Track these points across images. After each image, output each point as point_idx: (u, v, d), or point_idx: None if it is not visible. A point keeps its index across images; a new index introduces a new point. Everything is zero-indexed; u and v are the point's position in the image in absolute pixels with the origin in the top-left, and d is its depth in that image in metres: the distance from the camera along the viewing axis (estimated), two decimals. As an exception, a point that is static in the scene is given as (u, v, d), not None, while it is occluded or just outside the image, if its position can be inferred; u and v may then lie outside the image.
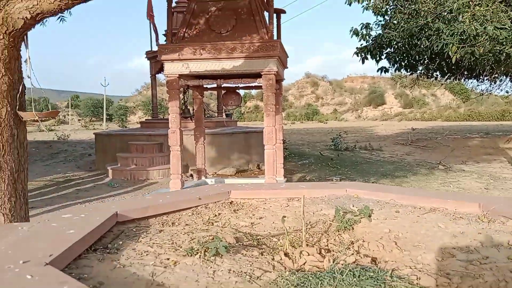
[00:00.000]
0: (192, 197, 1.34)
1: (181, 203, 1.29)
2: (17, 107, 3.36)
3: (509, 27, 11.26)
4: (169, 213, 1.29)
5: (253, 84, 4.90)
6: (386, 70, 16.39)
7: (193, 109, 5.92)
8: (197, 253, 1.39)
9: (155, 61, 11.97)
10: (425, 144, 15.57)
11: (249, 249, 1.45)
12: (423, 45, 12.72)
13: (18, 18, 3.12)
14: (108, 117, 42.33)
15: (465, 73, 16.33)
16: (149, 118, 15.59)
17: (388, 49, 15.52)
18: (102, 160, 11.02)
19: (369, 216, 1.21)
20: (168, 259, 1.40)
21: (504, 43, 11.10)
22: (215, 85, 4.99)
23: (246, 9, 4.53)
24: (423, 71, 16.19)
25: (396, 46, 15.08)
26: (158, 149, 10.00)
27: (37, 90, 3.57)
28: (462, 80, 18.75)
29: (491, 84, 17.24)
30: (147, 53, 12.50)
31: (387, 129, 25.75)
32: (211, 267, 1.34)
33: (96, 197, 7.60)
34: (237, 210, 1.45)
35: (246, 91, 41.85)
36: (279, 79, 5.14)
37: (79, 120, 45.77)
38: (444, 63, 14.49)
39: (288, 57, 5.37)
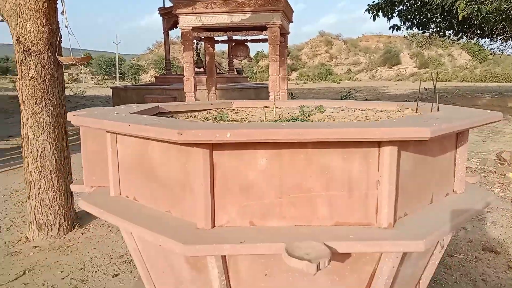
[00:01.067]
0: (207, 105, 1.95)
1: (199, 106, 1.89)
2: (56, 52, 3.99)
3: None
4: (191, 111, 1.88)
5: (259, 37, 5.44)
6: (398, 28, 16.52)
7: (205, 61, 6.48)
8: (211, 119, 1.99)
9: (168, 17, 12.42)
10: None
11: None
12: (435, 3, 12.85)
13: (56, -26, 3.68)
14: (120, 75, 42.91)
15: (478, 32, 16.37)
16: (163, 73, 16.20)
17: (400, 7, 15.61)
18: (119, 113, 11.73)
19: (322, 111, 1.77)
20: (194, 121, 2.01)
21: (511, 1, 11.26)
22: (225, 38, 5.53)
23: (253, -35, 4.99)
24: (435, 29, 16.28)
25: (407, 4, 15.16)
26: (172, 101, 10.65)
27: (72, 40, 4.17)
28: (475, 40, 18.76)
29: (502, 43, 17.26)
30: (160, 9, 12.89)
31: (399, 89, 25.94)
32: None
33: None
34: (237, 112, 2.04)
35: (259, 50, 42.04)
36: (284, 32, 5.64)
37: (92, 78, 46.44)
38: (455, 22, 14.58)
39: (293, 11, 5.84)
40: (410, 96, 19.72)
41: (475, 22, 13.58)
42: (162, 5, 12.94)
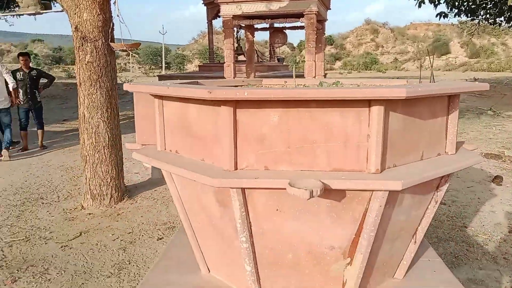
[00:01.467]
0: (239, 81, 2.25)
1: (232, 82, 2.19)
2: (109, 39, 4.41)
3: None
4: (225, 86, 2.19)
5: (297, 24, 5.66)
6: (446, 16, 16.07)
7: (245, 48, 6.79)
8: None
9: (211, 7, 12.77)
10: (481, 92, 15.44)
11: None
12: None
13: (110, -32, 4.08)
14: (166, 65, 44.03)
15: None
16: (207, 62, 16.64)
17: (449, -7, 15.15)
18: (164, 99, 12.27)
19: (338, 84, 2.00)
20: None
21: None
22: (264, 25, 5.80)
23: (292, -45, 5.20)
24: (484, 16, 15.71)
25: (456, -11, 14.69)
26: (214, 89, 11.04)
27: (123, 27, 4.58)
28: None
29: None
30: (204, -1, 13.25)
31: (446, 80, 25.12)
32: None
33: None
34: (265, 86, 2.35)
35: (302, 39, 41.85)
36: (321, 19, 5.83)
37: (139, 68, 47.99)
38: (505, 8, 14.02)
39: (331, -1, 6.01)
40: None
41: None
42: (206, -5, 13.30)
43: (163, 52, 41.12)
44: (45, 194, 5.03)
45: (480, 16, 16.33)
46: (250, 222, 1.44)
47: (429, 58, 1.79)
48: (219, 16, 12.69)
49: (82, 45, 4.28)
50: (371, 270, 1.60)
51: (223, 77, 5.51)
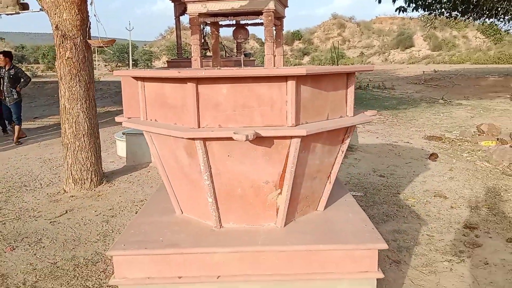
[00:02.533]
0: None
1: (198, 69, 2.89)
2: (87, 37, 4.95)
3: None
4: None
5: (258, 21, 6.32)
6: (404, 10, 17.11)
7: (211, 43, 7.39)
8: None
9: (179, 3, 13.28)
10: (437, 83, 16.58)
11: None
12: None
13: (86, -27, 4.62)
14: (133, 62, 43.83)
15: (483, 11, 16.84)
16: (175, 58, 17.11)
17: (406, -13, 16.13)
18: (134, 95, 12.74)
19: None
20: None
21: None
22: (227, 22, 6.42)
23: (251, -42, 5.85)
24: (440, 10, 16.81)
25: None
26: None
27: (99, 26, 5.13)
28: (481, 20, 19.18)
29: (510, 22, 17.69)
30: (171, -4, 13.73)
31: (410, 72, 26.40)
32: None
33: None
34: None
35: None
36: (279, 16, 6.50)
37: (105, 65, 47.56)
38: (458, 2, 15.11)
39: (288, -2, 6.70)
40: (419, 78, 20.28)
41: (478, 2, 14.04)
42: (173, -8, 13.80)
43: (130, 49, 41.01)
44: (28, 182, 5.52)
45: (436, 10, 17.44)
46: (210, 166, 2.10)
47: (335, 51, 2.49)
48: (185, 1, 13.25)
49: (62, 42, 4.81)
50: (297, 202, 2.29)
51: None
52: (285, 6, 6.69)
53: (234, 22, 6.73)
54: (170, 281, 2.03)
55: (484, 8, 14.36)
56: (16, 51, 57.95)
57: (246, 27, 6.69)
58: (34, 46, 58.49)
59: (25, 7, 5.69)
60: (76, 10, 4.78)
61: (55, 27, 4.82)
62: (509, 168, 5.55)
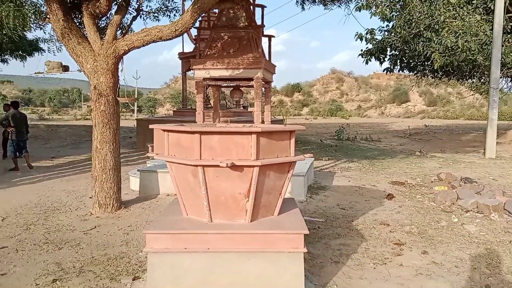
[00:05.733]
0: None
1: (204, 124, 4.42)
2: (116, 94, 6.60)
3: (480, 39, 13.97)
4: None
5: (250, 84, 8.03)
6: (391, 70, 19.15)
7: (213, 100, 9.08)
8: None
9: (186, 61, 15.28)
10: (421, 137, 18.26)
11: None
12: (416, 51, 15.41)
13: (121, 49, 6.34)
14: (138, 108, 46.02)
15: (466, 74, 18.81)
16: (181, 107, 18.96)
17: (393, 51, 18.22)
18: (142, 141, 14.41)
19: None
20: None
21: (474, 54, 13.75)
22: (225, 84, 8.11)
23: (246, 37, 7.63)
24: (422, 72, 18.80)
25: (396, 49, 17.76)
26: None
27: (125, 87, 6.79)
28: (463, 81, 21.21)
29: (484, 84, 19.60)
30: (180, 54, 15.79)
31: (402, 125, 28.25)
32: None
33: (141, 164, 10.93)
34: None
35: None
36: (267, 81, 8.21)
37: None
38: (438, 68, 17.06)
39: (275, 66, 8.42)
40: (404, 131, 21.99)
41: (450, 69, 16.04)
42: (181, 50, 15.87)
43: (136, 96, 43.32)
44: (59, 207, 7.00)
45: (419, 72, 19.46)
46: (206, 182, 3.61)
47: (283, 116, 4.08)
48: (192, 69, 15.28)
49: (98, 99, 6.46)
50: (259, 208, 3.78)
51: (195, 121, 7.71)
52: (273, 73, 8.45)
53: (231, 84, 8.45)
54: (179, 250, 3.49)
55: (464, 71, 16.22)
56: (23, 94, 60.58)
57: (241, 88, 8.40)
58: (41, 90, 61.27)
59: (66, 68, 7.40)
60: (110, 75, 6.46)
61: (93, 87, 6.48)
62: (449, 207, 7.02)
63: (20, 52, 16.15)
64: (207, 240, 3.53)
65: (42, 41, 16.44)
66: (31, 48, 16.34)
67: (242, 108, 15.86)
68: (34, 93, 60.88)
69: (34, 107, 54.95)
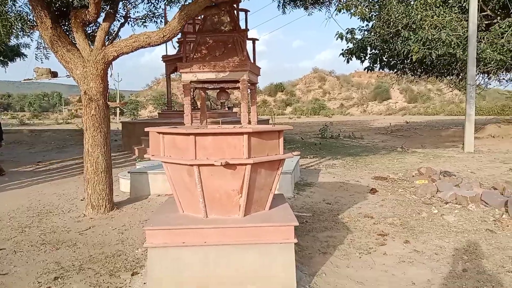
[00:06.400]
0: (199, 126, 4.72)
1: (196, 126, 4.66)
2: (106, 99, 6.78)
3: (460, 34, 14.48)
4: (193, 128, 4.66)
5: (236, 86, 8.28)
6: (372, 69, 19.60)
7: (199, 102, 9.30)
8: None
9: (170, 63, 15.45)
10: (402, 133, 18.77)
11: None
12: (396, 50, 15.86)
13: (110, 55, 6.53)
14: (120, 111, 45.76)
15: (444, 71, 19.41)
16: (165, 109, 19.12)
17: (373, 50, 18.67)
18: (128, 143, 14.54)
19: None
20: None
21: (454, 48, 14.26)
22: (212, 87, 8.35)
23: (231, 40, 7.89)
24: (402, 70, 19.35)
25: (376, 48, 18.22)
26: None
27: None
28: (430, 78, 21.88)
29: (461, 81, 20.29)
30: (163, 57, 15.94)
31: (384, 123, 28.84)
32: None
33: (129, 166, 11.09)
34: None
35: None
36: (253, 83, 8.48)
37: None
38: (416, 64, 17.62)
39: (260, 68, 8.70)
40: (386, 128, 22.52)
41: (428, 63, 16.54)
42: (165, 53, 16.03)
43: (117, 99, 43.10)
44: (52, 210, 7.15)
45: (399, 70, 20.00)
46: (201, 180, 3.86)
47: (271, 116, 4.36)
48: (177, 71, 15.46)
49: (88, 104, 6.63)
50: (251, 203, 4.04)
51: (183, 123, 7.94)
52: (258, 75, 8.71)
53: (217, 86, 8.67)
54: (177, 245, 3.74)
55: (441, 68, 16.75)
56: (2, 99, 59.63)
57: (227, 90, 8.64)
58: (20, 95, 60.42)
59: (55, 74, 7.55)
60: (100, 81, 6.64)
61: (84, 92, 6.66)
62: (429, 199, 7.39)
63: (1, 58, 16.08)
64: (203, 235, 3.78)
65: (23, 46, 16.51)
66: (12, 53, 16.29)
67: (227, 109, 16.12)
68: (13, 98, 59.99)
69: (14, 112, 54.15)
